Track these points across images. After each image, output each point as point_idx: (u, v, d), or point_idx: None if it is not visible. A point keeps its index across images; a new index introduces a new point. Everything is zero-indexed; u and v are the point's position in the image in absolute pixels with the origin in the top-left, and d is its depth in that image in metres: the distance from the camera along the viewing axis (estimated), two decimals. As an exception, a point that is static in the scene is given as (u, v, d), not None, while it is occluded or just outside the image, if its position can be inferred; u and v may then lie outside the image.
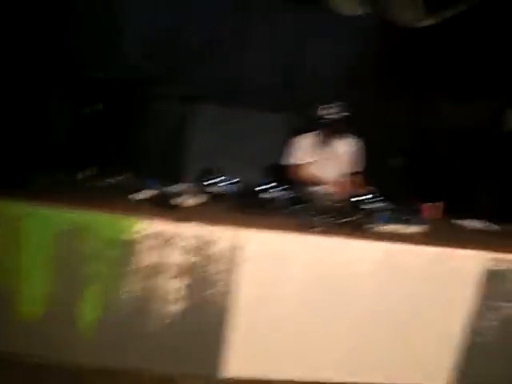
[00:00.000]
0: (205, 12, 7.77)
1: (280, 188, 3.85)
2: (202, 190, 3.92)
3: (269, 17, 7.87)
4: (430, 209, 4.45)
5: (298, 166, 4.96)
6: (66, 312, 3.16)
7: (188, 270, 3.17)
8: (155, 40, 7.61)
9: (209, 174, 4.45)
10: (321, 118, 4.89)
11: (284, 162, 5.01)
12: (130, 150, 6.21)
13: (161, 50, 7.58)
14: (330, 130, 4.91)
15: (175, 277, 3.17)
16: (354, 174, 5.07)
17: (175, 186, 3.81)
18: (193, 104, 7.66)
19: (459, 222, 4.31)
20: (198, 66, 7.75)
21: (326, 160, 4.99)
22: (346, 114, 4.91)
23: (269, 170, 6.20)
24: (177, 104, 7.68)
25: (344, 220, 3.59)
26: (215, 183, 3.95)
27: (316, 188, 4.73)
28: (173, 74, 7.61)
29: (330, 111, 4.90)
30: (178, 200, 3.50)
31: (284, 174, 5.12)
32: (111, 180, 3.86)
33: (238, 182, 4.00)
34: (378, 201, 3.87)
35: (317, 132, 4.97)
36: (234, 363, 3.28)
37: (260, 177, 6.00)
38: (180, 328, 3.21)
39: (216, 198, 3.87)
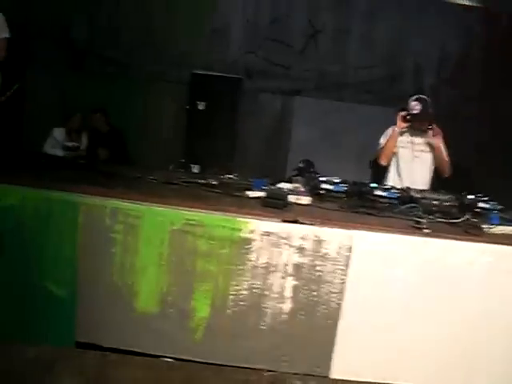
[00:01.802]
0: (306, 5, 7.78)
1: (388, 186, 3.82)
2: (310, 189, 3.94)
3: (371, 8, 7.78)
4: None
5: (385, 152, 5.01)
6: (178, 309, 3.23)
7: (298, 270, 3.18)
8: (257, 35, 7.68)
9: (314, 171, 4.50)
10: (411, 108, 4.93)
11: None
12: (236, 146, 6.28)
13: (262, 44, 7.63)
14: (420, 119, 4.92)
15: (285, 276, 3.19)
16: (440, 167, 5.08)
17: (284, 185, 3.84)
18: (295, 98, 7.67)
19: None
20: (299, 60, 7.77)
21: (413, 152, 5.02)
22: (431, 109, 4.93)
23: (373, 165, 6.16)
24: (279, 98, 7.72)
25: (453, 221, 3.53)
26: (324, 181, 3.95)
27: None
28: (275, 68, 7.66)
29: (420, 103, 4.92)
30: (288, 199, 3.53)
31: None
32: (220, 179, 3.92)
33: (345, 180, 3.98)
34: (488, 201, 3.78)
35: (408, 119, 4.98)
36: (343, 364, 3.27)
37: (364, 171, 6.01)
38: (290, 327, 3.23)
39: (325, 196, 3.87)
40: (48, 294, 3.25)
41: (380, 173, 5.46)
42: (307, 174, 4.45)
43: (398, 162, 5.09)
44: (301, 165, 6.22)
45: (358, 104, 7.68)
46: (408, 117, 4.97)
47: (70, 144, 6.25)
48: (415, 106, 4.94)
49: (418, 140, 5.05)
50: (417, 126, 5.00)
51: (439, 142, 4.92)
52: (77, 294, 3.25)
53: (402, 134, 5.06)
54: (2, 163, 3.78)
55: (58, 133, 6.37)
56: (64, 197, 3.23)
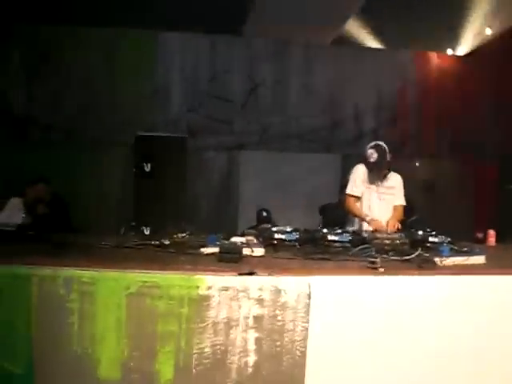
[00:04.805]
0: (243, 61, 7.94)
1: (340, 230, 3.87)
2: (263, 240, 3.96)
3: (308, 58, 7.99)
4: (489, 237, 4.52)
5: (352, 197, 5.08)
6: (142, 373, 3.16)
7: (259, 322, 3.17)
8: (197, 93, 7.78)
9: (266, 221, 4.54)
10: (368, 157, 5.02)
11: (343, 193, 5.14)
12: (186, 205, 6.29)
13: (203, 102, 7.73)
14: (378, 168, 5.03)
15: (247, 329, 3.17)
16: (397, 206, 5.18)
17: (237, 238, 3.85)
18: (240, 152, 7.75)
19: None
20: (241, 114, 7.88)
21: (376, 194, 5.11)
22: (388, 154, 5.04)
23: (323, 211, 6.25)
24: (224, 154, 7.79)
25: (406, 257, 3.60)
26: (276, 232, 3.97)
27: (367, 223, 4.83)
28: (217, 124, 7.74)
29: (376, 151, 5.02)
30: (243, 252, 3.54)
31: (338, 214, 5.22)
32: (172, 238, 3.90)
33: (297, 228, 4.01)
34: (437, 235, 3.87)
35: (366, 167, 5.09)
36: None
37: (315, 218, 6.08)
38: (256, 381, 3.19)
39: (279, 246, 3.89)
40: (4, 372, 3.15)
41: (331, 217, 5.54)
42: (260, 226, 4.48)
43: (360, 204, 5.19)
44: (264, 214, 6.26)
45: (302, 153, 7.82)
46: (366, 165, 5.09)
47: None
48: (372, 155, 5.04)
49: (379, 184, 5.16)
50: (375, 174, 5.11)
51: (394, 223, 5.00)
52: (34, 369, 3.15)
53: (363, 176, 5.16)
54: None
55: (16, 202, 6.21)
56: (14, 270, 3.16)
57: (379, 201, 5.17)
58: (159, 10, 7.26)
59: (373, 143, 5.16)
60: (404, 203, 5.25)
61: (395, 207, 5.21)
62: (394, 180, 5.25)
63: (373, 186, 5.17)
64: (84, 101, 7.45)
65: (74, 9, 6.97)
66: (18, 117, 7.38)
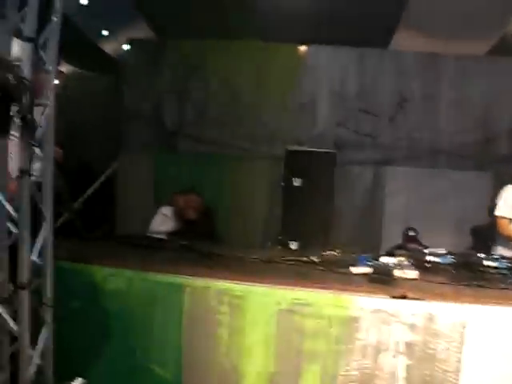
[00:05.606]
0: (391, 74, 7.79)
1: (497, 255, 3.65)
2: (415, 262, 3.81)
3: (459, 71, 7.70)
4: None
5: (504, 219, 4.75)
6: (287, 390, 3.16)
7: (410, 348, 3.05)
8: (344, 107, 7.73)
9: (413, 241, 4.40)
10: None
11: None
12: (331, 221, 6.24)
13: (350, 116, 7.68)
14: None
15: (397, 355, 3.06)
16: None
17: (387, 259, 3.73)
18: (387, 168, 7.59)
19: None
20: (388, 129, 7.73)
21: None
22: None
23: (474, 232, 5.97)
24: (371, 169, 7.67)
25: None
26: (429, 254, 3.82)
27: None
28: (364, 139, 7.65)
29: None
30: (395, 274, 3.43)
31: (490, 236, 4.92)
32: (321, 255, 3.86)
33: (451, 251, 3.84)
34: None
35: None
36: None
37: (463, 239, 5.81)
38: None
39: (431, 269, 3.73)
40: (154, 376, 3.27)
41: (483, 240, 5.25)
42: (409, 246, 4.34)
43: None
44: (412, 233, 6.06)
45: (451, 170, 7.51)
46: None
47: None
48: None
49: None
50: None
51: None
52: (182, 376, 3.25)
53: None
54: (103, 245, 3.90)
55: (166, 211, 6.43)
56: (169, 279, 3.28)
57: None
58: (308, 24, 7.26)
59: None
60: None
61: None
62: None
63: None
64: (232, 114, 7.60)
65: (224, 23, 7.13)
66: (170, 129, 7.67)
